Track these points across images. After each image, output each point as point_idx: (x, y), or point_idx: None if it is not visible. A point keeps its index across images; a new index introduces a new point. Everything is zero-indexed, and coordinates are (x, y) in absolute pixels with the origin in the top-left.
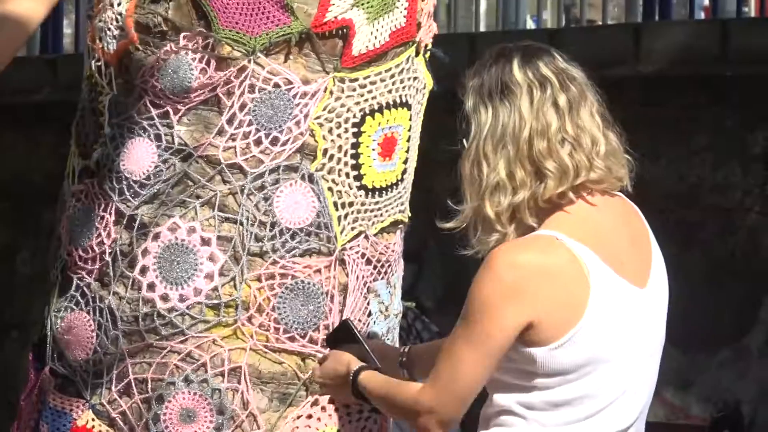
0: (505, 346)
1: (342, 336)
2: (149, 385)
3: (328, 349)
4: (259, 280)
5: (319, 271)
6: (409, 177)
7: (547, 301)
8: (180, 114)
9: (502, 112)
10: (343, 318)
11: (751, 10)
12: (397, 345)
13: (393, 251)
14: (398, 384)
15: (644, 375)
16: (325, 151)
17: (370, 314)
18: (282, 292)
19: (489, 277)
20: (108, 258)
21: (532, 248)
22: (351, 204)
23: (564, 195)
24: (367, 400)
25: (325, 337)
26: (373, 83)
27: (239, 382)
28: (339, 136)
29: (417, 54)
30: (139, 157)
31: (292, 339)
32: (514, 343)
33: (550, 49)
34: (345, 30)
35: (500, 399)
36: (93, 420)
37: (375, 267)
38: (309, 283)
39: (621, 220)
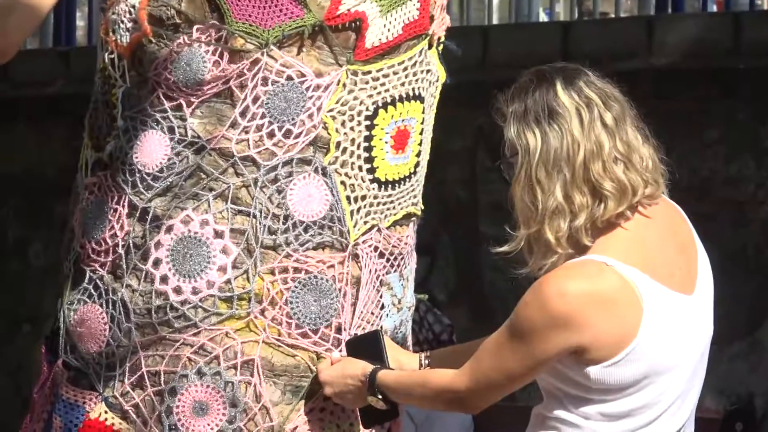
0: (550, 363)
1: (365, 344)
2: (162, 378)
3: (345, 351)
4: (272, 273)
5: (332, 266)
6: (422, 170)
7: (597, 327)
8: (193, 107)
9: (553, 137)
10: (373, 329)
11: (764, 2)
12: (409, 337)
13: (406, 244)
14: (430, 371)
15: (696, 376)
16: (338, 144)
17: (382, 307)
18: (295, 287)
19: (537, 304)
20: (121, 250)
21: (582, 276)
22: (364, 197)
23: (621, 214)
24: (383, 399)
25: (335, 334)
26: (386, 76)
27: (252, 375)
28: (352, 129)
29: (430, 47)
30: (152, 149)
31: (304, 334)
32: (569, 358)
33: (585, 69)
34: (358, 23)
35: (556, 407)
36: (106, 413)
37: (388, 260)
38: (322, 279)
39: (669, 229)
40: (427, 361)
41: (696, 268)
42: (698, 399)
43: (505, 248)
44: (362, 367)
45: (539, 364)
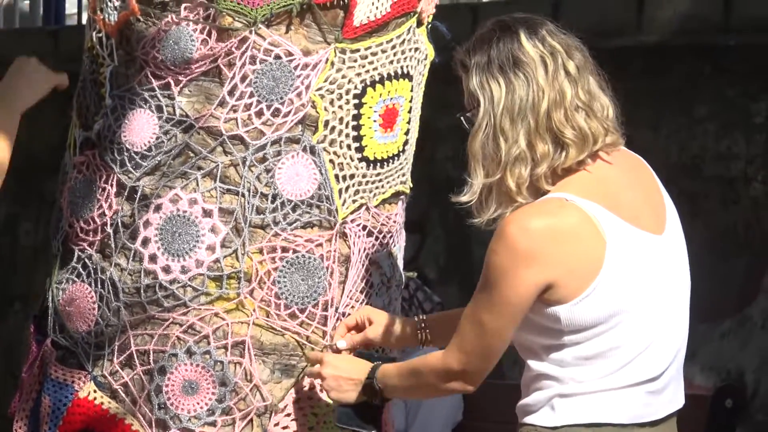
0: (525, 308)
1: (359, 412)
2: (151, 357)
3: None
4: (261, 252)
5: (320, 245)
6: (411, 148)
7: (562, 262)
8: (181, 85)
9: (518, 86)
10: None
11: None
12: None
13: (394, 222)
14: (419, 359)
15: (673, 321)
16: (327, 122)
17: (371, 286)
18: (283, 266)
19: (503, 245)
20: (109, 229)
21: (542, 212)
22: (352, 176)
23: (582, 162)
24: (381, 396)
25: (322, 312)
26: (374, 54)
27: (242, 355)
28: (340, 107)
29: (419, 25)
30: (141, 128)
31: (292, 314)
32: (537, 304)
33: (545, 19)
34: (346, 0)
35: (534, 363)
36: (95, 392)
37: (376, 238)
38: (310, 258)
39: (632, 173)
40: (423, 325)
41: (664, 211)
42: (684, 362)
43: (463, 198)
44: (359, 372)
45: (518, 312)
